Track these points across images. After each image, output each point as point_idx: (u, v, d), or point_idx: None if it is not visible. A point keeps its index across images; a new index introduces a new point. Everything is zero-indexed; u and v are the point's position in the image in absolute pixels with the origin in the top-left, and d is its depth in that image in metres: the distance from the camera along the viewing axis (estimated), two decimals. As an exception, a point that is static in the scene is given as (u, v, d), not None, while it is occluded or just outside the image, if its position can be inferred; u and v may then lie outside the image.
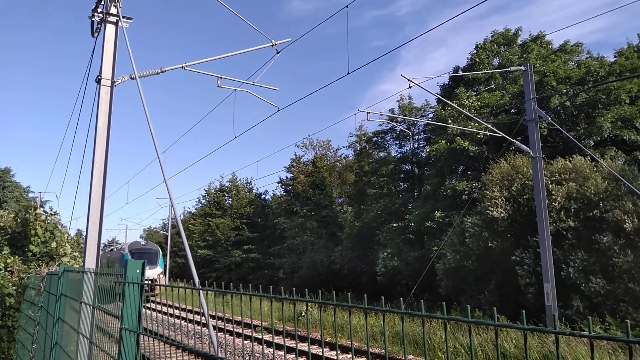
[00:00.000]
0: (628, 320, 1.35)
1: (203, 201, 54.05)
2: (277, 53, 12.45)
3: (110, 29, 9.90)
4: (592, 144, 23.65)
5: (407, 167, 38.09)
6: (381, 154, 39.49)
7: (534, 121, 15.41)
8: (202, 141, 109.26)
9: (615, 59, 26.78)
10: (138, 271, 2.93)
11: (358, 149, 41.86)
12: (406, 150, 38.58)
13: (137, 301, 2.86)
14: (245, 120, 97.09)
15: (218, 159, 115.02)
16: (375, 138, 39.93)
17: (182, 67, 11.18)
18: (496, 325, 1.61)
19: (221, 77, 11.97)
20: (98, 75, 9.74)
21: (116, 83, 9.96)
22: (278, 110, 14.35)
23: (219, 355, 3.42)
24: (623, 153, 23.42)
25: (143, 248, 33.75)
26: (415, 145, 37.91)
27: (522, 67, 16.66)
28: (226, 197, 52.87)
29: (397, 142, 38.92)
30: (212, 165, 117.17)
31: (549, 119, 16.03)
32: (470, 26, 69.60)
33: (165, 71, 10.85)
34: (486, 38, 32.08)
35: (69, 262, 10.44)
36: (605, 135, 23.22)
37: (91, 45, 10.61)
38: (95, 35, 10.62)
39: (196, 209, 55.02)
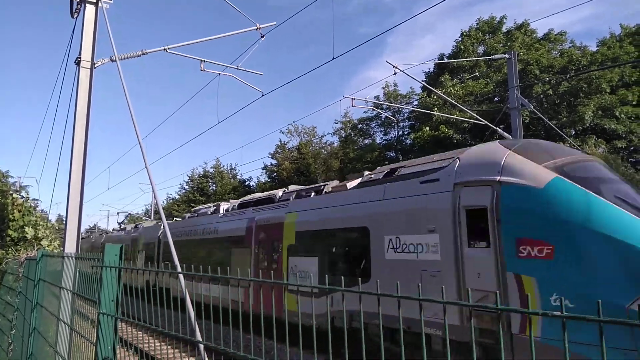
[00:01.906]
0: (599, 301, 1.37)
1: (186, 187, 53.65)
2: (262, 37, 12.30)
3: (90, 10, 9.64)
4: (574, 132, 24.00)
5: (391, 154, 38.23)
6: (366, 141, 39.57)
7: (517, 109, 15.54)
8: (185, 126, 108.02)
9: (597, 48, 27.09)
10: (116, 255, 2.88)
11: (343, 135, 41.83)
12: (391, 137, 38.72)
13: (115, 285, 2.82)
14: (229, 105, 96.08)
15: (201, 145, 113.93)
16: (361, 125, 39.95)
17: (164, 49, 10.99)
18: (471, 306, 1.63)
19: (204, 61, 11.80)
20: (77, 57, 9.51)
21: (96, 65, 9.74)
22: (262, 96, 14.22)
23: (198, 339, 3.41)
24: (604, 141, 23.83)
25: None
26: (400, 133, 38.06)
27: (506, 55, 16.74)
28: (210, 183, 52.54)
29: (382, 129, 39.03)
30: (196, 150, 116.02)
31: (532, 107, 16.18)
32: (458, 14, 69.59)
33: (147, 53, 10.65)
34: (471, 26, 32.17)
35: (48, 246, 10.30)
36: (587, 124, 23.57)
37: (71, 26, 10.33)
38: (75, 15, 10.34)
39: (179, 195, 54.59)
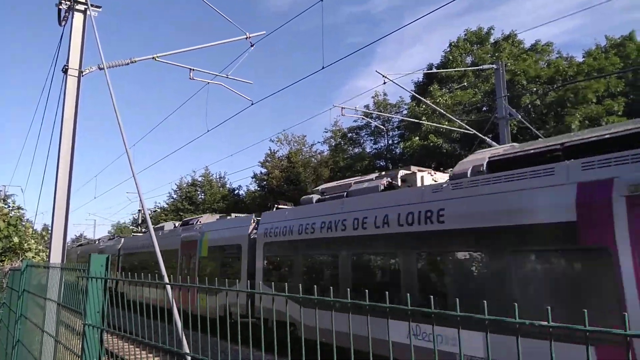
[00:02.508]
0: (585, 310, 1.36)
1: (174, 196, 53.24)
2: (251, 46, 12.32)
3: (78, 18, 9.59)
4: (560, 142, 24.29)
5: (381, 163, 38.35)
6: (356, 150, 39.67)
7: (505, 119, 15.70)
8: (174, 134, 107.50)
9: (583, 59, 27.53)
10: (102, 265, 2.83)
11: (333, 144, 41.90)
12: (381, 146, 38.87)
13: (101, 296, 2.76)
14: (219, 113, 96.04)
15: (190, 153, 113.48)
16: (350, 134, 40.07)
17: (153, 58, 10.95)
18: (459, 315, 1.61)
19: (193, 69, 11.78)
20: (65, 65, 9.44)
21: (84, 73, 9.68)
22: (252, 104, 14.23)
23: (186, 351, 3.36)
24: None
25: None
26: (390, 142, 38.23)
27: (494, 66, 16.94)
28: (199, 192, 52.21)
29: (372, 138, 39.18)
30: (185, 159, 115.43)
31: (519, 116, 16.36)
32: (446, 24, 70.42)
33: (135, 62, 10.61)
34: (460, 36, 32.53)
35: (33, 257, 10.12)
36: (573, 132, 23.87)
37: (59, 34, 10.26)
38: (63, 23, 10.28)
39: (167, 204, 54.14)
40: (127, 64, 10.63)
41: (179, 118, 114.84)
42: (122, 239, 22.82)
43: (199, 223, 18.75)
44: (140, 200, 5.79)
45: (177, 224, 21.84)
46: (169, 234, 20.43)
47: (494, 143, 16.27)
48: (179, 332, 3.76)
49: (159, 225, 23.68)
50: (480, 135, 16.36)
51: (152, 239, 5.41)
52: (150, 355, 9.90)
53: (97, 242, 33.07)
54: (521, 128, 23.63)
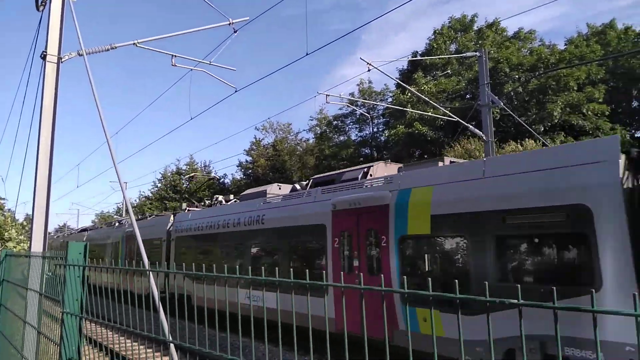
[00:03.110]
0: (554, 288, 1.40)
1: (159, 184, 52.80)
2: (235, 32, 12.17)
3: (56, 2, 9.36)
4: (543, 129, 24.60)
5: (366, 150, 38.47)
6: (341, 138, 39.70)
7: (488, 106, 15.82)
8: (158, 122, 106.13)
9: (565, 47, 27.81)
10: (80, 253, 2.81)
11: (318, 132, 41.87)
12: (366, 134, 38.96)
13: (79, 284, 2.75)
14: (202, 101, 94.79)
15: (174, 141, 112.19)
16: (336, 122, 40.05)
17: (134, 44, 10.77)
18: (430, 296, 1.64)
19: (175, 56, 11.62)
20: (43, 51, 9.23)
21: (63, 59, 9.48)
22: (236, 91, 14.09)
23: (170, 339, 3.37)
24: (572, 138, 24.50)
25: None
26: (375, 130, 38.33)
27: (477, 53, 17.00)
28: (183, 180, 51.88)
29: (357, 125, 39.23)
30: (169, 147, 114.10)
31: (502, 104, 16.49)
32: (431, 12, 70.27)
33: (116, 48, 10.42)
34: (444, 24, 32.57)
35: (14, 247, 9.98)
36: (555, 121, 24.18)
37: (37, 19, 10.02)
38: (41, 8, 10.03)
39: (152, 193, 53.69)
40: (108, 50, 10.43)
41: (162, 106, 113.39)
42: (172, 216, 18.26)
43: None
44: (122, 190, 5.75)
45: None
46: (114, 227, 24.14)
47: (476, 130, 16.41)
48: (162, 320, 3.77)
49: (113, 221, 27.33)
50: (463, 122, 16.48)
51: (135, 228, 5.39)
52: (135, 343, 9.90)
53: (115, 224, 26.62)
54: (504, 115, 23.86)
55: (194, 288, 14.63)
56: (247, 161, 45.55)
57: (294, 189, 13.01)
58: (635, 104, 29.76)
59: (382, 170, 11.12)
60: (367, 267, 9.23)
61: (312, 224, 10.69)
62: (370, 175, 10.73)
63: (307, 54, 12.55)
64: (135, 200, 57.91)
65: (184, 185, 51.15)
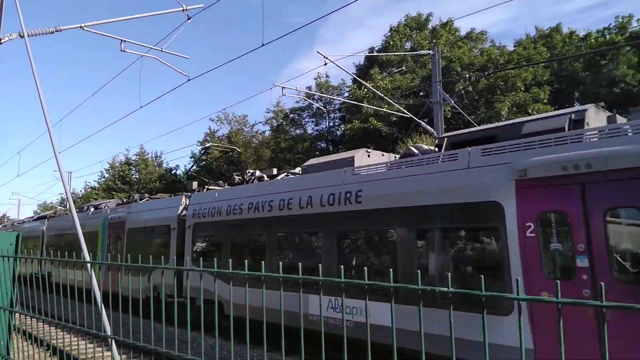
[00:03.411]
0: (482, 276, 1.44)
1: (106, 175, 50.93)
2: (189, 19, 11.88)
3: (-7, -21, 8.80)
4: (491, 127, 25.52)
5: (322, 144, 38.61)
6: (298, 131, 39.64)
7: (439, 104, 16.23)
8: (106, 110, 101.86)
9: (514, 48, 28.92)
10: (11, 244, 2.67)
11: (275, 125, 41.60)
12: (322, 128, 39.06)
13: (9, 277, 2.61)
14: (153, 89, 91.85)
15: (124, 130, 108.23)
16: (292, 115, 39.94)
17: (81, 27, 10.31)
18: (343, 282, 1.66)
19: (125, 41, 11.22)
20: (-21, 31, 8.67)
21: (2, 41, 8.96)
22: (188, 80, 13.80)
23: (110, 334, 3.27)
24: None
25: None
26: (331, 124, 38.50)
27: (430, 52, 17.39)
28: (133, 171, 50.25)
29: (314, 119, 39.28)
30: (118, 136, 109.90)
31: (453, 102, 16.97)
32: (389, 9, 71.15)
33: (61, 30, 9.94)
34: (400, 21, 33.07)
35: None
36: (503, 120, 25.14)
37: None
38: (-23, -15, 9.40)
39: (99, 183, 51.70)
40: (52, 32, 9.93)
41: (110, 93, 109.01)
42: (183, 197, 14.94)
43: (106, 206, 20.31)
44: (62, 179, 5.50)
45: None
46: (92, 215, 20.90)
47: (428, 127, 16.80)
48: (102, 314, 3.65)
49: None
50: (416, 119, 16.84)
51: (75, 221, 5.17)
52: (73, 337, 9.55)
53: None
54: (454, 113, 24.57)
55: (230, 292, 8.91)
56: (200, 152, 44.70)
57: (407, 154, 9.46)
58: (577, 105, 31.38)
59: (593, 118, 7.18)
60: (611, 270, 5.66)
61: (468, 201, 7.17)
62: (587, 124, 6.92)
63: (262, 45, 12.41)
64: (81, 191, 55.68)
65: (134, 177, 49.60)
